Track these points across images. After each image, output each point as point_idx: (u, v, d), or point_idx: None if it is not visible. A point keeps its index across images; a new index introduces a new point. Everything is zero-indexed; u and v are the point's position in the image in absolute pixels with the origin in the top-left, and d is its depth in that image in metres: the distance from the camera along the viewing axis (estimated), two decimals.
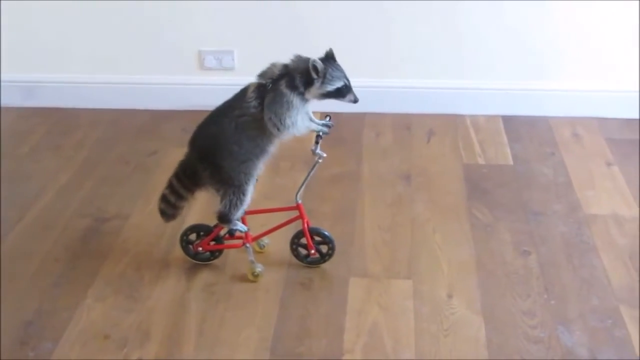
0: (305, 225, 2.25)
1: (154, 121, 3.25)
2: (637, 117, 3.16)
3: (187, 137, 3.07)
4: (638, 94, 3.15)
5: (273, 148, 2.13)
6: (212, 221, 2.25)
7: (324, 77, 2.03)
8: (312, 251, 2.28)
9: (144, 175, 2.83)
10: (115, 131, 3.19)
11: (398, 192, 2.68)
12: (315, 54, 3.17)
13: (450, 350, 2.00)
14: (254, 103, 2.05)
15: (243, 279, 2.27)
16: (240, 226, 2.21)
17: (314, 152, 2.14)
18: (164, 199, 2.26)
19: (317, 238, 2.27)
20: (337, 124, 3.15)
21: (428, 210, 2.57)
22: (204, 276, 2.29)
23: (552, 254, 2.37)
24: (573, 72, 3.16)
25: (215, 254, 2.33)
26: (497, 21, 3.07)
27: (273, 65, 2.09)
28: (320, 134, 2.14)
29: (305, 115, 2.10)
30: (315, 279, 2.27)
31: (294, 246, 2.31)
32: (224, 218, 2.18)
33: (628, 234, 2.45)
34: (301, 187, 2.23)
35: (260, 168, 2.15)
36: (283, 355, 1.99)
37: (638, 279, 2.25)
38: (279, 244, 2.38)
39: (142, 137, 3.13)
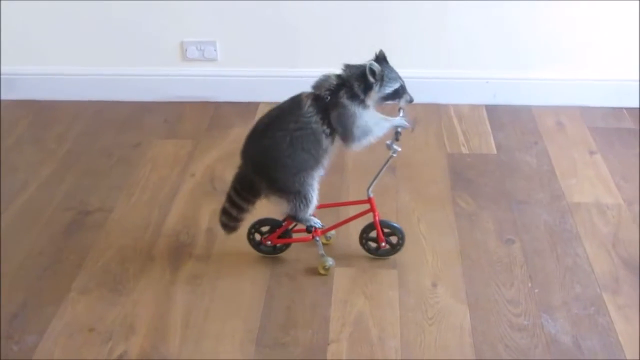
0: (377, 218, 2.24)
1: (136, 113, 3.23)
2: (620, 105, 3.18)
3: (170, 128, 3.10)
4: (621, 83, 3.16)
5: (328, 157, 2.11)
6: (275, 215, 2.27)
7: (382, 79, 2.02)
8: (383, 244, 2.28)
9: (127, 167, 2.82)
10: (97, 123, 3.17)
11: (383, 182, 2.66)
12: (297, 44, 3.18)
13: (435, 339, 2.01)
14: (315, 118, 2.02)
15: (229, 270, 2.27)
16: (314, 222, 2.21)
17: (389, 147, 2.12)
18: (224, 212, 2.24)
19: (386, 230, 2.27)
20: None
21: (413, 200, 2.58)
22: (189, 268, 2.28)
23: (536, 242, 2.38)
24: (556, 62, 3.17)
25: (280, 248, 2.32)
26: (481, 11, 3.07)
27: (327, 76, 2.07)
28: (399, 129, 2.12)
29: (378, 117, 2.08)
30: (300, 270, 2.27)
31: (364, 240, 2.30)
32: (294, 219, 2.19)
33: (610, 222, 2.47)
34: (374, 181, 2.21)
35: (319, 174, 2.13)
36: (269, 346, 1.99)
37: (621, 266, 2.27)
38: None
39: (124, 129, 3.11)
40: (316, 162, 2.08)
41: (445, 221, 2.46)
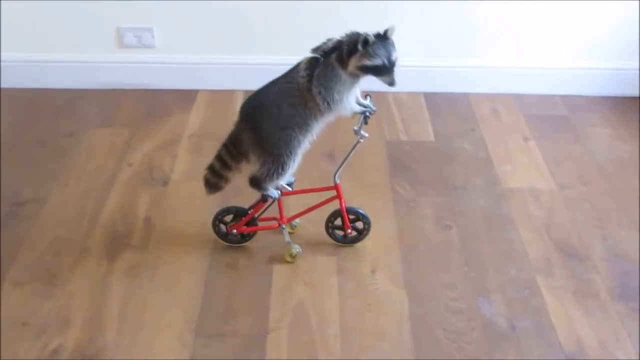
0: (343, 205, 2.24)
1: (71, 101, 3.16)
2: (553, 93, 3.25)
3: (107, 116, 3.05)
4: (554, 70, 3.23)
5: (317, 125, 2.09)
6: (244, 204, 2.25)
7: (367, 50, 1.98)
8: (349, 230, 2.28)
9: (62, 157, 2.76)
10: (31, 112, 3.09)
11: (323, 170, 2.68)
12: (238, 30, 3.15)
13: (374, 325, 2.03)
14: (302, 73, 2.03)
15: (167, 260, 2.25)
16: (271, 192, 2.18)
17: (356, 132, 2.12)
18: (209, 167, 2.23)
19: (352, 216, 2.27)
20: None
21: (352, 187, 2.59)
22: (127, 258, 2.25)
23: (472, 227, 2.42)
24: (492, 50, 3.22)
25: (247, 236, 2.30)
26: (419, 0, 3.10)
27: (329, 39, 2.05)
28: (367, 114, 2.12)
29: (353, 96, 2.08)
30: (240, 259, 2.26)
31: (330, 228, 2.30)
32: (257, 183, 2.16)
33: (544, 207, 2.53)
34: (340, 167, 2.21)
35: (305, 145, 2.11)
36: (208, 336, 1.98)
37: (553, 249, 2.33)
38: (202, 223, 2.36)
39: (59, 117, 3.04)
40: (303, 122, 2.06)
41: (384, 208, 2.49)
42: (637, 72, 3.22)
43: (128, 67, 3.23)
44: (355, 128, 2.13)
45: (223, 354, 1.93)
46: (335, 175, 2.22)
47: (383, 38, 2.01)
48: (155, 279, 2.17)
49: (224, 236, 2.29)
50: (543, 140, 2.93)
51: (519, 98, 3.24)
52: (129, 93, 3.22)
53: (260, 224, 2.29)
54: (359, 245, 2.32)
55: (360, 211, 2.28)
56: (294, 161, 2.11)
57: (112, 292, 2.12)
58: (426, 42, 3.20)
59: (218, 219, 2.27)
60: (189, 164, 2.73)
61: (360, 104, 2.11)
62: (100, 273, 2.19)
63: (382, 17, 3.13)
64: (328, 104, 2.02)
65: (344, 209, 2.25)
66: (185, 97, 3.18)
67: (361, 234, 2.31)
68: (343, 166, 2.20)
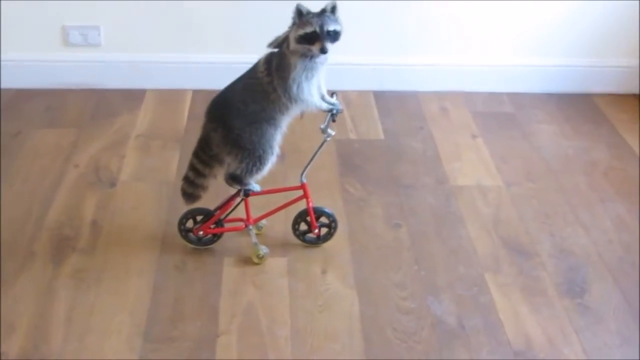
0: (310, 205, 2.22)
1: (15, 101, 3.08)
2: (500, 90, 3.29)
3: (52, 116, 2.99)
4: (501, 68, 3.28)
5: (283, 118, 2.08)
6: (211, 205, 2.23)
7: (302, 21, 1.96)
8: (316, 230, 2.27)
9: (7, 158, 2.69)
10: None
11: (271, 170, 2.67)
12: (186, 28, 3.12)
13: (325, 325, 2.03)
14: (261, 68, 2.04)
15: (115, 263, 2.21)
16: (253, 186, 2.16)
17: (323, 131, 2.11)
18: (184, 178, 2.21)
19: (315, 215, 2.26)
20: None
21: None
22: (73, 262, 2.21)
23: (422, 225, 2.44)
24: (439, 48, 3.24)
25: (212, 239, 2.28)
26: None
27: (280, 34, 2.05)
28: (334, 111, 2.11)
29: (316, 90, 2.07)
30: (189, 261, 2.24)
31: (297, 228, 2.29)
32: (237, 179, 2.14)
33: (491, 204, 2.56)
34: (307, 166, 2.19)
35: (276, 139, 2.10)
36: (157, 340, 1.96)
37: (501, 246, 2.36)
38: (150, 225, 2.34)
39: (3, 117, 2.96)
40: (269, 116, 2.06)
41: (334, 207, 2.48)
42: (582, 69, 3.28)
43: (74, 66, 3.17)
44: (322, 126, 2.12)
45: (172, 358, 1.91)
46: (302, 174, 2.21)
47: (327, 13, 2.01)
48: (103, 283, 2.14)
49: (186, 234, 2.26)
50: (490, 137, 2.97)
51: (466, 96, 3.27)
52: (75, 93, 3.16)
53: (227, 225, 2.27)
54: (309, 246, 2.31)
55: (328, 211, 2.28)
56: (271, 154, 2.11)
57: (58, 297, 2.08)
58: (374, 40, 3.21)
59: (187, 217, 2.24)
60: (137, 165, 2.69)
61: (327, 102, 2.11)
62: (46, 277, 2.15)
63: None
64: (288, 94, 2.02)
65: (311, 209, 2.24)
66: (133, 97, 3.14)
67: (330, 227, 2.30)
68: (310, 165, 2.20)
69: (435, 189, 2.63)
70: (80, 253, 2.25)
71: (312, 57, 1.99)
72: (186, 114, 3.04)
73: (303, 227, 2.29)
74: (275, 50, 2.04)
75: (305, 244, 2.31)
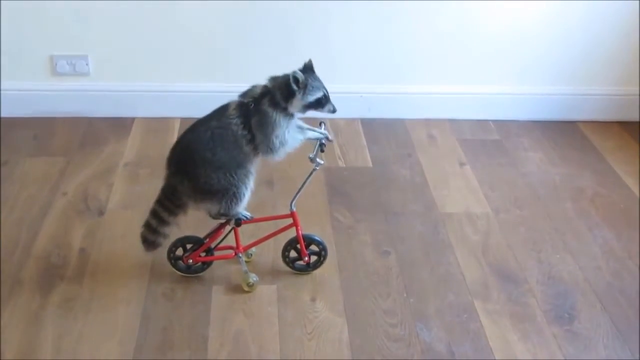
0: (300, 232, 2.23)
1: (4, 130, 3.07)
2: (486, 118, 3.32)
3: (40, 145, 2.98)
4: (486, 96, 3.31)
5: (253, 167, 2.10)
6: (200, 233, 2.23)
7: (305, 88, 2.02)
8: (306, 258, 2.27)
9: None
10: None
11: (260, 197, 2.67)
12: (173, 58, 3.13)
13: (314, 353, 2.02)
14: (235, 120, 2.03)
15: (103, 292, 2.20)
16: (243, 214, 2.17)
17: (312, 160, 2.11)
18: (145, 224, 2.19)
19: (305, 242, 2.26)
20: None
21: None
22: (61, 291, 2.19)
23: (411, 253, 2.44)
24: (426, 76, 3.27)
25: (201, 267, 2.27)
26: (354, 27, 3.13)
27: (254, 86, 2.09)
28: (323, 141, 2.13)
29: (296, 130, 2.09)
30: (178, 289, 2.23)
31: (287, 256, 2.29)
32: (223, 215, 2.15)
33: (480, 231, 2.57)
34: (296, 195, 2.20)
35: (248, 177, 2.10)
36: None
37: (489, 273, 2.36)
38: (138, 253, 2.33)
39: None
40: (238, 164, 2.07)
41: (323, 235, 2.47)
42: (567, 96, 3.32)
43: (62, 95, 3.18)
44: (311, 155, 2.13)
45: None
46: (291, 203, 2.22)
47: (309, 71, 2.07)
48: (91, 312, 2.12)
49: (175, 262, 2.26)
50: (478, 164, 2.99)
51: (453, 123, 3.30)
52: (63, 121, 3.16)
53: (217, 253, 2.27)
54: (299, 273, 2.31)
55: (318, 239, 2.29)
56: (246, 189, 2.11)
57: (46, 326, 2.06)
58: (362, 69, 3.24)
59: (177, 245, 2.24)
60: (125, 193, 2.69)
61: (315, 131, 2.14)
62: (34, 306, 2.13)
63: (314, 45, 3.17)
64: (270, 149, 2.05)
65: (301, 237, 2.24)
66: (121, 125, 3.14)
67: (320, 255, 2.30)
68: (299, 193, 2.20)
69: (424, 216, 2.64)
70: (68, 282, 2.23)
71: (293, 114, 2.05)
72: (174, 142, 3.03)
73: (293, 254, 2.29)
74: (248, 102, 2.04)
75: (294, 272, 2.31)
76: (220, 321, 2.11)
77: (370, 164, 2.97)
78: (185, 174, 2.09)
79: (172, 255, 2.25)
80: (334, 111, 2.12)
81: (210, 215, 2.18)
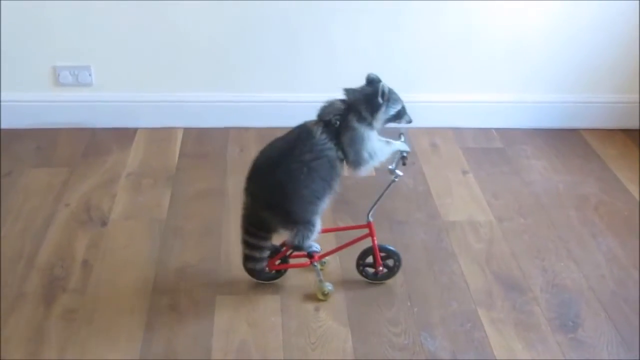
0: (375, 243, 2.24)
1: (6, 140, 3.08)
2: (489, 126, 3.32)
3: (43, 156, 2.98)
4: (489, 105, 3.31)
5: (338, 185, 2.11)
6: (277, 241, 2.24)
7: (388, 100, 2.04)
8: (380, 268, 2.27)
9: None
10: None
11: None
12: (175, 67, 3.14)
13: None
14: (329, 145, 2.02)
15: (106, 303, 2.19)
16: (315, 247, 2.20)
17: (391, 172, 2.13)
18: (247, 258, 2.20)
19: (382, 254, 2.27)
20: (201, 140, 3.14)
21: None
22: (64, 302, 2.19)
23: (415, 261, 2.44)
24: (429, 85, 3.27)
25: (279, 273, 2.29)
26: (357, 34, 3.14)
27: (331, 102, 2.08)
28: (405, 154, 2.14)
29: (382, 142, 2.11)
30: (181, 300, 2.22)
31: (361, 267, 2.31)
32: (297, 249, 2.18)
33: (483, 239, 2.57)
34: (374, 205, 2.22)
35: (327, 202, 2.12)
36: None
37: (493, 281, 2.36)
38: (142, 264, 2.32)
39: None
40: (330, 188, 2.08)
41: (326, 243, 2.47)
42: (569, 104, 3.32)
43: (65, 105, 3.18)
44: (391, 167, 2.14)
45: None
46: (368, 214, 2.23)
47: (376, 83, 2.07)
48: (94, 323, 2.12)
49: (264, 278, 2.28)
50: (481, 173, 2.98)
51: (456, 132, 3.29)
52: (66, 132, 3.17)
53: (292, 261, 2.29)
54: (302, 283, 2.31)
55: (391, 248, 2.29)
56: (319, 217, 2.13)
57: (49, 338, 2.06)
58: (364, 77, 3.23)
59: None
60: (128, 204, 2.69)
61: (395, 144, 2.15)
62: (37, 318, 2.13)
63: (318, 53, 3.17)
64: (360, 164, 2.07)
65: (376, 247, 2.24)
66: (124, 136, 3.15)
67: (392, 271, 2.31)
68: (377, 205, 2.23)
69: (427, 224, 2.64)
70: (71, 293, 2.23)
71: (372, 125, 2.06)
72: (177, 152, 3.05)
73: (368, 262, 2.31)
74: (331, 121, 2.03)
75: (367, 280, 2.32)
76: (224, 332, 2.11)
77: (373, 173, 2.95)
78: (278, 211, 2.09)
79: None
80: (410, 121, 2.14)
81: (289, 247, 2.21)
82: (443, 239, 2.56)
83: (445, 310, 2.23)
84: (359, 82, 3.20)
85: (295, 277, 2.32)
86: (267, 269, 2.25)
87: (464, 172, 2.98)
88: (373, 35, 3.14)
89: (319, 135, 2.02)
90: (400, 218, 2.67)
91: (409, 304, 2.25)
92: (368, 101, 2.03)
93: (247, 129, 3.23)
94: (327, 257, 2.34)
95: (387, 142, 2.14)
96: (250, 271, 2.24)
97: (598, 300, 2.30)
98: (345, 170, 2.10)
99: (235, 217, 2.59)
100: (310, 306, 2.22)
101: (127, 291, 2.25)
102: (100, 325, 2.12)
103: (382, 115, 2.05)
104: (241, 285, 2.28)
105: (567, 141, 3.25)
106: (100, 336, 2.08)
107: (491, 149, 3.18)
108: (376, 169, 2.90)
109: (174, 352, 2.03)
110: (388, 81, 3.19)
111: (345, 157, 2.05)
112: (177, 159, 3.00)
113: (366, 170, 2.09)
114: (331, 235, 2.40)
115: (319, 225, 2.14)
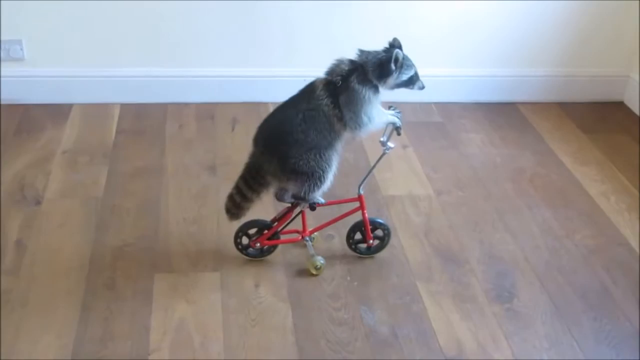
0: (366, 216, 2.23)
1: None
2: (429, 100, 3.34)
3: None
4: (429, 79, 3.31)
5: (341, 146, 2.10)
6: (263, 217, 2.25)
7: (401, 67, 2.03)
8: (371, 241, 2.27)
9: None
10: None
11: (203, 183, 2.65)
12: (111, 41, 3.07)
13: (258, 340, 2.02)
14: (325, 101, 2.02)
15: (41, 283, 2.15)
16: (318, 199, 2.17)
17: (383, 144, 2.13)
18: (229, 197, 2.20)
19: (371, 226, 2.28)
20: (139, 116, 3.09)
21: None
22: None
23: None
24: None
25: (266, 251, 2.29)
26: (297, 11, 3.11)
27: (339, 61, 2.06)
28: (398, 125, 2.12)
29: (381, 109, 2.08)
30: (119, 279, 2.19)
31: (352, 244, 2.31)
32: (300, 199, 2.16)
33: (422, 212, 2.59)
34: (365, 178, 2.23)
35: (335, 159, 2.10)
36: None
37: (432, 254, 2.39)
38: (78, 243, 2.28)
39: None
40: (329, 144, 2.07)
41: (265, 218, 2.47)
42: (507, 78, 3.36)
43: None
44: (382, 139, 2.14)
45: None
46: (359, 186, 2.24)
47: (398, 49, 2.06)
48: (28, 305, 2.08)
49: (244, 250, 2.27)
50: (420, 147, 3.00)
51: (396, 106, 3.29)
52: None
53: (282, 236, 2.28)
54: (242, 259, 2.30)
55: (380, 220, 2.31)
56: (330, 172, 2.11)
57: None
58: (304, 52, 3.22)
59: (242, 231, 2.24)
60: (63, 182, 2.63)
61: (390, 114, 2.14)
62: None
63: (258, 28, 3.14)
64: (359, 126, 2.05)
65: (367, 220, 2.25)
66: (59, 112, 3.07)
67: (383, 241, 2.32)
68: (368, 177, 2.25)
69: (368, 199, 2.60)
70: (4, 274, 2.18)
71: (378, 89, 2.05)
72: (114, 128, 2.99)
73: (357, 237, 2.32)
74: (335, 80, 2.02)
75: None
76: (162, 310, 2.09)
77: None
78: (275, 154, 2.08)
79: (240, 245, 2.26)
80: (422, 87, 2.13)
81: (279, 199, 2.19)
82: (383, 214, 2.57)
83: (384, 284, 2.25)
84: (305, 58, 3.20)
85: (232, 254, 2.30)
86: (257, 244, 2.26)
87: (404, 147, 3.00)
88: (322, 8, 3.12)
89: (319, 91, 2.04)
90: (340, 194, 2.66)
91: (348, 278, 2.26)
92: (380, 65, 2.03)
93: (186, 104, 3.19)
94: (316, 233, 2.35)
95: (385, 112, 2.15)
96: (227, 210, 2.23)
97: (533, 270, 2.35)
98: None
99: (173, 194, 2.58)
100: (250, 282, 2.22)
101: (62, 271, 2.20)
102: (35, 307, 2.07)
103: (392, 80, 2.05)
104: (180, 263, 2.26)
105: (504, 114, 3.30)
106: (35, 318, 2.04)
107: (430, 123, 3.20)
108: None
109: (112, 332, 2.00)
110: (332, 56, 3.21)
111: (342, 117, 2.05)
112: (114, 135, 2.94)
113: (364, 133, 2.09)
114: (320, 209, 2.36)
115: (328, 180, 2.12)
